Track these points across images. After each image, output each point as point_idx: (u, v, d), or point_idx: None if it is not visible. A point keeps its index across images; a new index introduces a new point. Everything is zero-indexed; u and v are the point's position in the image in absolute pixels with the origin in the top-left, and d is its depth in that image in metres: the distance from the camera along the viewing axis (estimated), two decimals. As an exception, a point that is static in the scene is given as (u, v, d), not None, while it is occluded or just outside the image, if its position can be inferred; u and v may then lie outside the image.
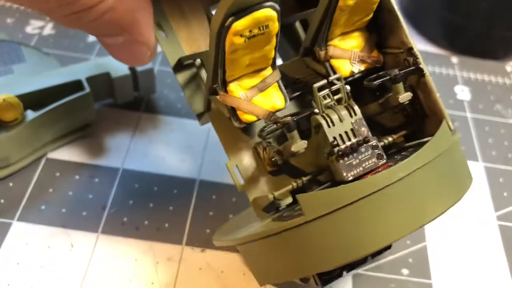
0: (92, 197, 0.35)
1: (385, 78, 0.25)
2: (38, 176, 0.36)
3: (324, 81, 0.25)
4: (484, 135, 0.44)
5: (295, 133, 0.24)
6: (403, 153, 0.26)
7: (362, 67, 0.27)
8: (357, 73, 0.27)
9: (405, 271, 0.34)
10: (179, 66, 0.29)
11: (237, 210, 0.35)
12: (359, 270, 0.33)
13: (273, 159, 0.26)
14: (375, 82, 0.25)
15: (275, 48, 0.24)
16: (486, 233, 0.37)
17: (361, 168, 0.25)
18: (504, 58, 0.51)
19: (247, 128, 0.27)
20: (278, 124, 0.24)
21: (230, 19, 0.21)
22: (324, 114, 0.25)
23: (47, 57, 0.40)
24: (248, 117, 0.25)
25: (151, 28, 0.27)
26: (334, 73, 0.27)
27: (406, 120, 0.28)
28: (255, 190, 0.27)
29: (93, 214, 0.34)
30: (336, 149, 0.24)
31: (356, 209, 0.22)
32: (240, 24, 0.21)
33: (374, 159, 0.25)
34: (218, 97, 0.26)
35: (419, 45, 0.52)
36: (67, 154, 0.37)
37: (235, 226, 0.30)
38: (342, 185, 0.22)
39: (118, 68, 0.38)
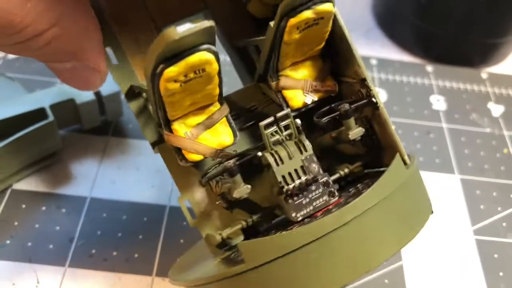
0: (59, 229, 0.34)
1: (333, 114, 0.24)
2: (2, 209, 0.35)
3: (271, 119, 0.24)
4: (460, 146, 0.43)
5: (238, 177, 0.23)
6: (358, 186, 0.25)
7: (316, 97, 0.26)
8: (310, 104, 0.25)
9: (381, 292, 0.33)
10: (132, 93, 0.27)
11: (208, 236, 0.35)
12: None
13: (217, 203, 0.25)
14: (323, 119, 0.24)
15: (219, 85, 0.23)
16: (463, 248, 0.36)
17: (311, 207, 0.23)
18: (479, 64, 0.51)
19: (200, 162, 0.25)
20: (220, 168, 0.23)
21: (161, 66, 0.20)
22: (273, 151, 0.23)
23: (11, 82, 0.39)
24: (193, 157, 0.24)
25: (100, 53, 0.26)
26: (286, 104, 0.25)
27: (366, 148, 0.27)
28: (208, 226, 0.26)
29: (60, 247, 0.33)
30: (284, 189, 0.23)
31: (299, 256, 0.21)
32: (172, 70, 0.20)
33: (325, 197, 0.24)
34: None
35: (394, 54, 0.51)
36: (33, 184, 0.36)
37: (192, 260, 0.29)
38: (284, 232, 0.21)
39: (83, 94, 0.37)
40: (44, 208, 0.35)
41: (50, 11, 0.22)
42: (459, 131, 0.44)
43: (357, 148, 0.27)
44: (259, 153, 0.23)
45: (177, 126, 0.24)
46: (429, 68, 0.50)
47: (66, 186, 0.36)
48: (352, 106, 0.24)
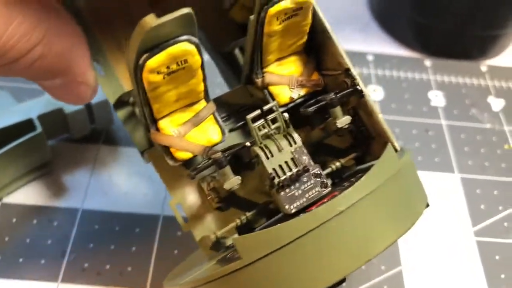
0: (51, 243, 0.34)
1: (320, 104, 0.24)
2: (-7, 224, 0.34)
3: (257, 112, 0.24)
4: (459, 143, 0.42)
5: (227, 169, 0.23)
6: (352, 179, 0.25)
7: (302, 92, 0.26)
8: (297, 99, 0.26)
9: (380, 299, 0.33)
10: (120, 103, 0.27)
11: (203, 246, 0.34)
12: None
13: (208, 198, 0.25)
14: (310, 108, 0.24)
15: (203, 80, 0.23)
16: (464, 251, 0.36)
17: (304, 199, 0.23)
18: (479, 57, 0.49)
19: (189, 163, 0.25)
20: (209, 161, 0.23)
21: (143, 57, 0.20)
22: (262, 145, 0.23)
23: (0, 92, 0.38)
24: (182, 155, 0.24)
25: (88, 67, 0.25)
26: (273, 100, 0.25)
27: (355, 141, 0.27)
28: (202, 229, 0.26)
29: (52, 261, 0.33)
30: (275, 181, 0.23)
31: (296, 248, 0.20)
32: (154, 61, 0.20)
33: (317, 188, 0.23)
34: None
35: (391, 49, 0.50)
36: (23, 197, 0.36)
37: (188, 267, 0.28)
38: (278, 225, 0.21)
39: (72, 103, 0.36)
40: (35, 221, 0.34)
41: (35, 29, 0.22)
42: (458, 128, 0.43)
43: (347, 141, 0.27)
44: (248, 143, 0.23)
45: (163, 125, 0.23)
46: (427, 62, 0.49)
47: (57, 198, 0.36)
48: (337, 95, 0.24)
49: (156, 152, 0.25)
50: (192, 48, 0.21)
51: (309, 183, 0.23)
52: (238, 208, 0.26)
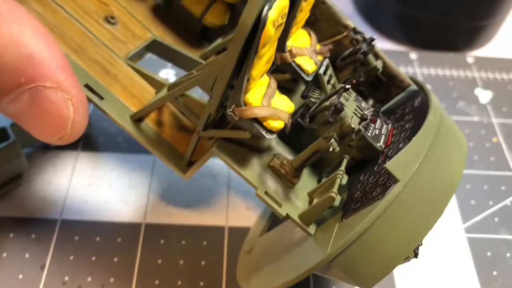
0: (29, 256, 0.32)
1: (358, 54, 0.27)
2: (-33, 239, 0.33)
3: (324, 68, 0.27)
4: (448, 138, 0.41)
5: (345, 112, 0.24)
6: (385, 119, 0.28)
7: (320, 59, 0.28)
8: (319, 65, 0.27)
9: (371, 302, 0.32)
10: (137, 123, 0.26)
11: (189, 255, 0.33)
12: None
13: (331, 149, 0.24)
14: (358, 55, 0.27)
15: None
16: (455, 248, 0.35)
17: (382, 136, 0.26)
18: (465, 49, 0.49)
19: (255, 147, 0.25)
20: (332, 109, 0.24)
21: (265, 9, 0.20)
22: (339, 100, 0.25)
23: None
24: (275, 125, 0.23)
25: (63, 66, 0.20)
26: (302, 70, 0.26)
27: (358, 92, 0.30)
28: (293, 208, 0.25)
29: (31, 276, 0.31)
30: (367, 117, 0.25)
31: (430, 153, 0.23)
32: (275, 10, 0.20)
33: (385, 126, 0.27)
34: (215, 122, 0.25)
35: (376, 42, 0.49)
36: (-1, 209, 0.34)
37: (263, 262, 0.28)
38: (411, 142, 0.23)
39: (46, 109, 0.35)
40: (12, 235, 0.33)
41: None
42: (446, 122, 0.43)
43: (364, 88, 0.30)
44: (348, 86, 0.25)
45: (251, 99, 0.23)
46: (413, 55, 0.48)
47: (35, 209, 0.34)
48: (365, 46, 0.27)
49: (223, 148, 0.24)
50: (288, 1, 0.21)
51: (378, 122, 0.26)
52: (312, 179, 0.27)
